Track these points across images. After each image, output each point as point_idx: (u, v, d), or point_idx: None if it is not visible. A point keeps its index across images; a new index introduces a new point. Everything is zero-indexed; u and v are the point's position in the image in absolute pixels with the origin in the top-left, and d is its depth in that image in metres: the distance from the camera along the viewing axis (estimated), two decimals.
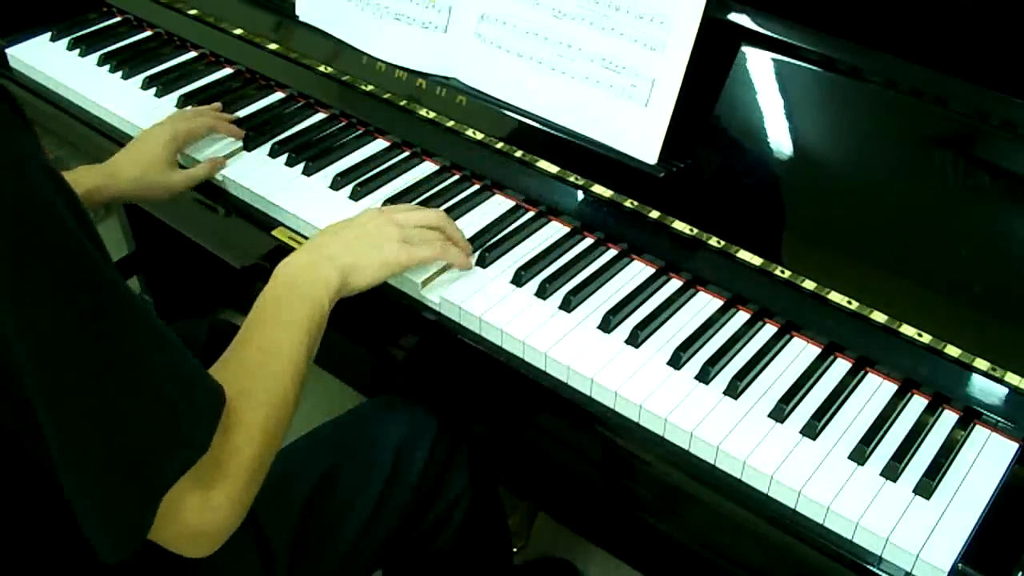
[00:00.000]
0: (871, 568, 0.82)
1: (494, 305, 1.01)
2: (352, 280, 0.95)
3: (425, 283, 1.04)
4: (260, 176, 1.20)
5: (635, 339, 0.98)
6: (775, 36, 1.02)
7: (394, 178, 1.20)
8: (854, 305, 0.96)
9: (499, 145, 1.17)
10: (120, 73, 1.39)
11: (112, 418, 0.69)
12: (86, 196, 1.14)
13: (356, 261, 0.96)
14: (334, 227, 1.01)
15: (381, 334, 1.18)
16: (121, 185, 1.16)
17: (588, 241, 1.11)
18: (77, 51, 1.44)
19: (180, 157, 1.22)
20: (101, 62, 1.42)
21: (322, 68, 1.31)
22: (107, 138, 1.32)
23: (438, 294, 1.03)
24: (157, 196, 1.19)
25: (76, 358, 0.67)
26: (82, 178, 1.14)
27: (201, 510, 0.74)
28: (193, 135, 1.22)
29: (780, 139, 1.03)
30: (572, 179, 1.12)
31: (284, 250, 1.13)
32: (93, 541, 0.71)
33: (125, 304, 0.70)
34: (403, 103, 1.24)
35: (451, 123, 1.21)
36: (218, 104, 1.30)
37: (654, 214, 1.07)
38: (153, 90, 1.36)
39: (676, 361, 0.95)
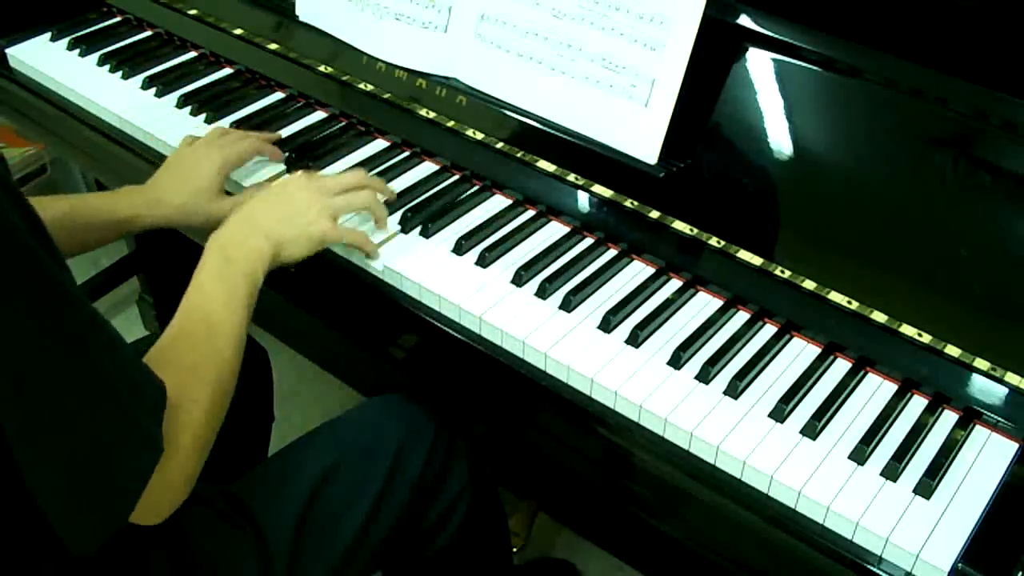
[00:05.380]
0: (871, 568, 0.82)
1: (494, 305, 1.01)
2: (283, 254, 1.00)
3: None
4: (260, 176, 1.20)
5: (635, 339, 0.98)
6: (775, 36, 1.02)
7: (394, 178, 1.19)
8: (854, 305, 0.96)
9: (499, 145, 1.17)
10: (120, 73, 1.39)
11: (76, 423, 0.70)
12: (125, 223, 1.09)
13: (288, 236, 1.00)
14: (265, 198, 1.03)
15: (380, 334, 1.18)
16: (164, 211, 1.11)
17: (588, 241, 1.11)
18: (77, 51, 1.44)
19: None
20: (101, 62, 1.42)
21: (322, 68, 1.31)
22: (107, 138, 1.32)
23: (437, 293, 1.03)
24: (197, 223, 1.12)
25: (35, 364, 0.67)
26: (122, 204, 1.10)
27: (160, 489, 0.77)
28: (241, 161, 1.17)
29: (780, 139, 1.03)
30: (572, 179, 1.12)
31: None
32: (62, 534, 0.73)
33: (78, 310, 0.70)
34: (403, 103, 1.24)
35: (451, 123, 1.21)
36: (271, 135, 1.25)
37: (654, 214, 1.07)
38: (153, 90, 1.35)
39: (676, 361, 0.95)
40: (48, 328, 0.68)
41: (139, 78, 1.38)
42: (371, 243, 1.07)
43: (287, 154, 1.22)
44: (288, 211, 1.02)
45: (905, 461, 0.86)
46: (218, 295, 0.92)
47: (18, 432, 0.69)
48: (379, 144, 1.26)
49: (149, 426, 0.75)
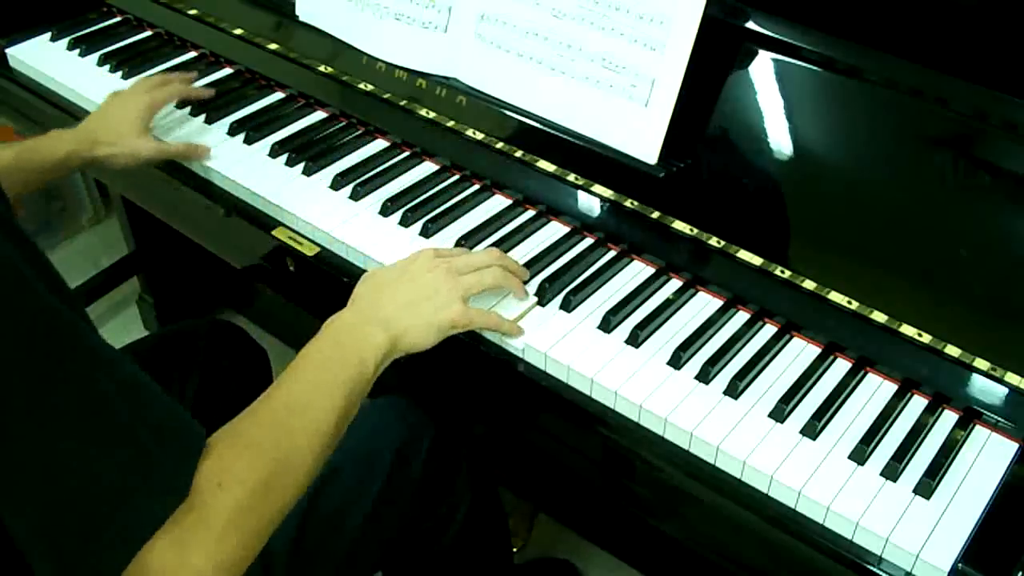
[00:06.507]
0: (871, 568, 0.82)
1: (494, 305, 1.01)
2: (403, 344, 0.91)
3: None
4: (260, 176, 1.20)
5: (635, 339, 0.98)
6: (775, 36, 1.02)
7: (394, 178, 1.19)
8: (854, 305, 0.96)
9: (499, 145, 1.17)
10: (120, 73, 1.39)
11: (70, 467, 0.64)
12: (63, 161, 1.18)
13: (410, 324, 0.91)
14: (388, 278, 0.95)
15: None
16: (95, 151, 1.19)
17: (588, 241, 1.11)
18: (77, 51, 1.44)
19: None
20: (101, 62, 1.42)
21: (322, 68, 1.31)
22: None
23: None
24: (126, 164, 1.21)
25: (25, 404, 0.63)
26: (60, 144, 1.17)
27: (179, 569, 0.67)
28: (167, 102, 1.28)
29: (780, 139, 1.03)
30: (572, 179, 1.12)
31: (284, 249, 1.13)
32: None
33: (82, 349, 0.66)
34: (403, 103, 1.24)
35: (451, 123, 1.21)
36: (188, 75, 1.34)
37: (654, 214, 1.07)
38: None
39: (676, 361, 0.95)
40: (39, 367, 0.63)
41: (139, 78, 1.38)
42: (507, 323, 0.98)
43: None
44: (413, 296, 0.93)
45: (905, 461, 0.86)
46: (311, 377, 0.83)
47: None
48: (379, 144, 1.26)
49: (171, 470, 0.67)
